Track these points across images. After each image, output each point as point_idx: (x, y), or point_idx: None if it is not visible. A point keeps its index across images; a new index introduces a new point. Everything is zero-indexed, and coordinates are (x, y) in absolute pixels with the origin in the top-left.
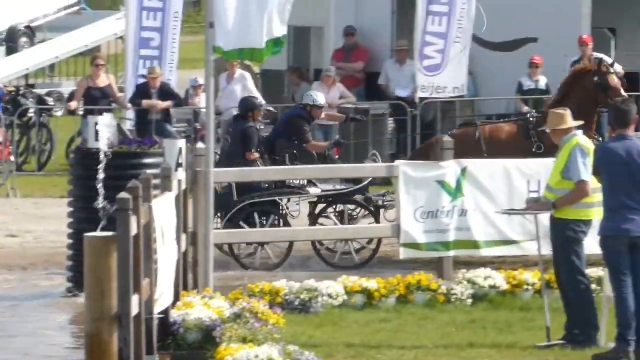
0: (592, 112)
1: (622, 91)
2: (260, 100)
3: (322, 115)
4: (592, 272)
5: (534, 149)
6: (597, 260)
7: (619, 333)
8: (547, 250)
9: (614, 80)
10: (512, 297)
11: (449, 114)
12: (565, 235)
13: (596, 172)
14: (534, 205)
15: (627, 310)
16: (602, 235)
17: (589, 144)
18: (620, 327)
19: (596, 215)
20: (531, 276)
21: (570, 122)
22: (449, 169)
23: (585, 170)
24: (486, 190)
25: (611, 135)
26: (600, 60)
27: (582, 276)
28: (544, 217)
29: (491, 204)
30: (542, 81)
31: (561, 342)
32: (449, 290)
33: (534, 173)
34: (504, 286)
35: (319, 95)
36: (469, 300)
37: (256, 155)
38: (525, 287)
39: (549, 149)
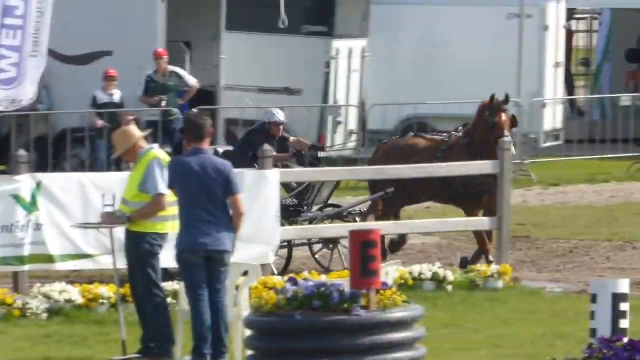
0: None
1: (504, 130)
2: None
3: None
4: (168, 285)
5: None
6: (173, 273)
7: (194, 346)
8: (122, 263)
9: (501, 117)
10: (88, 311)
11: (24, 128)
12: (141, 249)
13: (171, 185)
14: (109, 218)
15: (203, 324)
16: (178, 249)
17: (165, 157)
18: (196, 341)
19: (171, 228)
20: (107, 290)
21: (136, 137)
22: (24, 183)
23: (162, 184)
24: (61, 204)
25: (186, 148)
26: (492, 96)
27: (158, 289)
28: (119, 231)
29: (66, 218)
30: (117, 95)
31: (137, 355)
32: (25, 305)
33: (109, 187)
34: (80, 300)
35: (277, 112)
36: (45, 315)
37: None
38: (100, 300)
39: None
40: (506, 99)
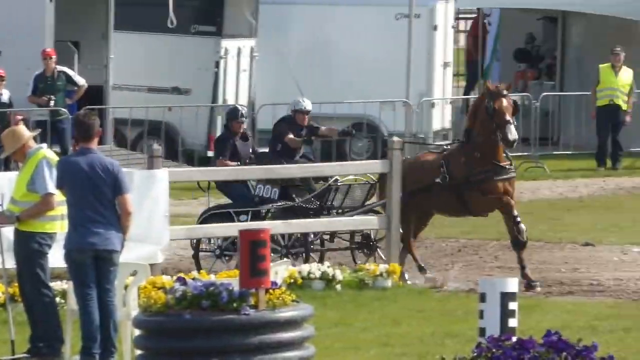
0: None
1: (507, 115)
2: None
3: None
4: (57, 285)
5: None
6: (62, 273)
7: (83, 346)
8: (11, 263)
9: (502, 102)
10: None
11: None
12: (29, 248)
13: (60, 185)
14: None
15: (92, 324)
16: (67, 248)
17: (54, 157)
18: (85, 340)
19: (60, 228)
20: None
21: (25, 136)
22: None
23: (51, 183)
24: None
25: (75, 148)
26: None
27: (47, 289)
28: (8, 230)
29: None
30: (6, 95)
31: (26, 355)
32: None
33: None
34: None
35: (303, 101)
36: None
37: (228, 162)
38: None
39: (454, 179)
40: (508, 86)
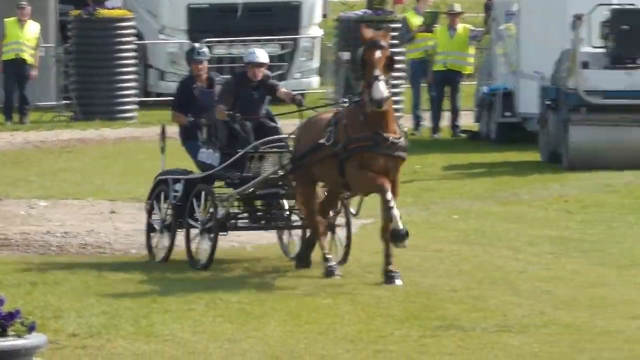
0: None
1: (375, 70)
2: None
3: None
4: None
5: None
6: None
7: None
8: None
9: (374, 54)
10: None
11: None
12: None
13: None
14: None
15: None
16: None
17: None
18: None
19: None
20: None
21: None
22: None
23: None
24: None
25: None
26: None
27: None
28: None
29: None
30: None
31: None
32: None
33: None
34: None
35: (256, 51)
36: None
37: (180, 116)
38: None
39: (336, 144)
40: (385, 34)
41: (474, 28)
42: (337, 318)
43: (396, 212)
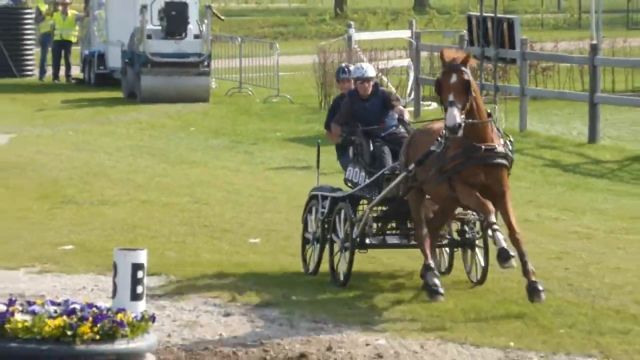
0: None
1: (450, 96)
2: None
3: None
4: None
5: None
6: None
7: None
8: None
9: (448, 79)
10: None
11: None
12: None
13: None
14: None
15: None
16: None
17: None
18: None
19: None
20: None
21: None
22: None
23: None
24: None
25: None
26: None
27: None
28: None
29: None
30: None
31: None
32: None
33: None
34: None
35: (363, 66)
36: None
37: (334, 128)
38: None
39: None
40: (466, 57)
41: (78, 13)
42: None
43: (499, 235)
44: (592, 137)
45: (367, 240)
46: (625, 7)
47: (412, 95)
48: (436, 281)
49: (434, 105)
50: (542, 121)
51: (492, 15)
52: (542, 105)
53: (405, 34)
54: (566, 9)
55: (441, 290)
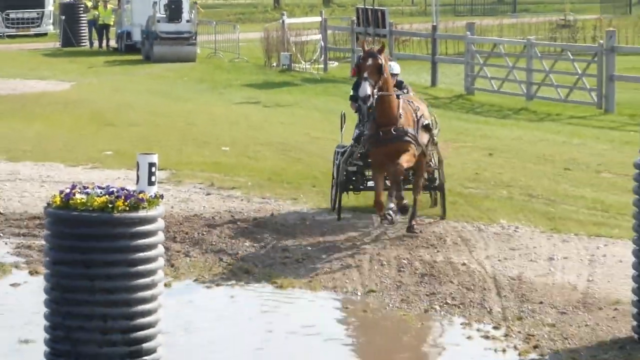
0: None
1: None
2: None
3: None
4: None
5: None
6: None
7: None
8: None
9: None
10: None
11: None
12: None
13: None
14: None
15: None
16: None
17: None
18: None
19: None
20: None
21: None
22: None
23: None
24: None
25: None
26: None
27: None
28: None
29: None
30: None
31: None
32: None
33: None
34: None
35: (392, 66)
36: None
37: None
38: None
39: None
40: (382, 48)
41: (114, 7)
42: None
43: (390, 211)
44: (433, 82)
45: (350, 186)
46: (454, 1)
47: (322, 57)
48: (381, 212)
49: (336, 63)
50: (403, 74)
51: (371, 7)
52: (402, 63)
53: (318, 19)
54: (417, 3)
55: (387, 215)
